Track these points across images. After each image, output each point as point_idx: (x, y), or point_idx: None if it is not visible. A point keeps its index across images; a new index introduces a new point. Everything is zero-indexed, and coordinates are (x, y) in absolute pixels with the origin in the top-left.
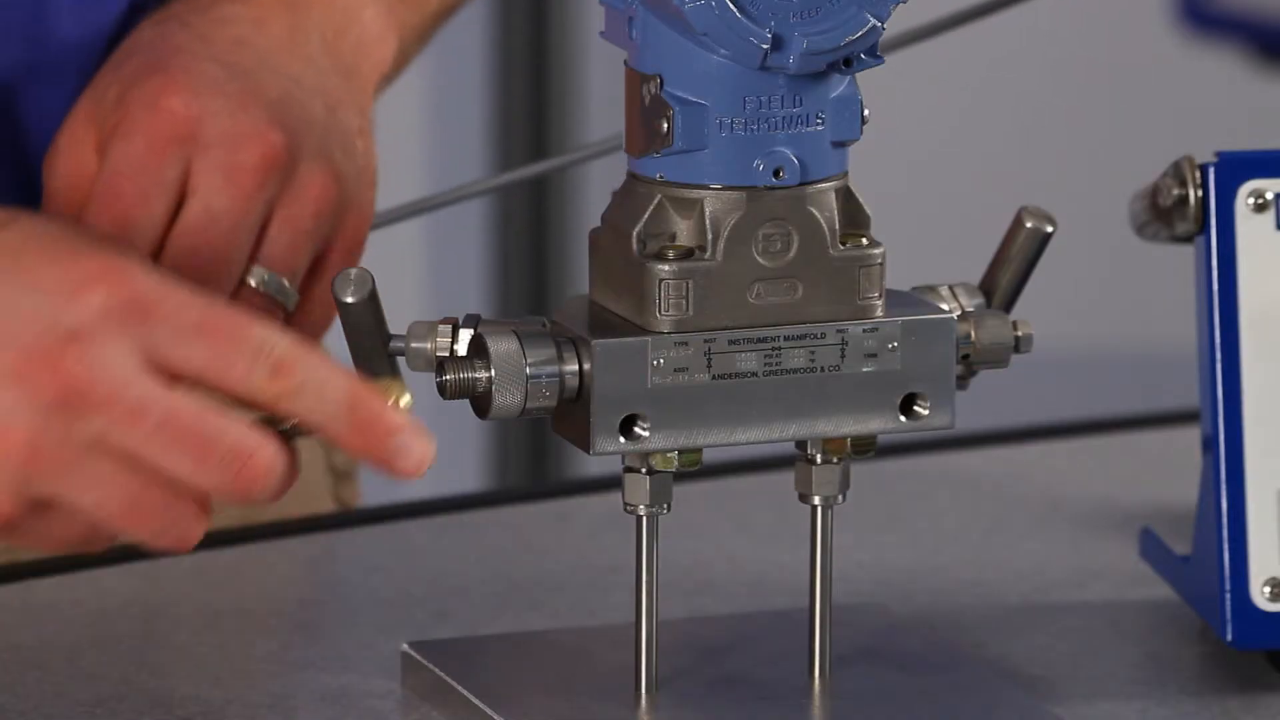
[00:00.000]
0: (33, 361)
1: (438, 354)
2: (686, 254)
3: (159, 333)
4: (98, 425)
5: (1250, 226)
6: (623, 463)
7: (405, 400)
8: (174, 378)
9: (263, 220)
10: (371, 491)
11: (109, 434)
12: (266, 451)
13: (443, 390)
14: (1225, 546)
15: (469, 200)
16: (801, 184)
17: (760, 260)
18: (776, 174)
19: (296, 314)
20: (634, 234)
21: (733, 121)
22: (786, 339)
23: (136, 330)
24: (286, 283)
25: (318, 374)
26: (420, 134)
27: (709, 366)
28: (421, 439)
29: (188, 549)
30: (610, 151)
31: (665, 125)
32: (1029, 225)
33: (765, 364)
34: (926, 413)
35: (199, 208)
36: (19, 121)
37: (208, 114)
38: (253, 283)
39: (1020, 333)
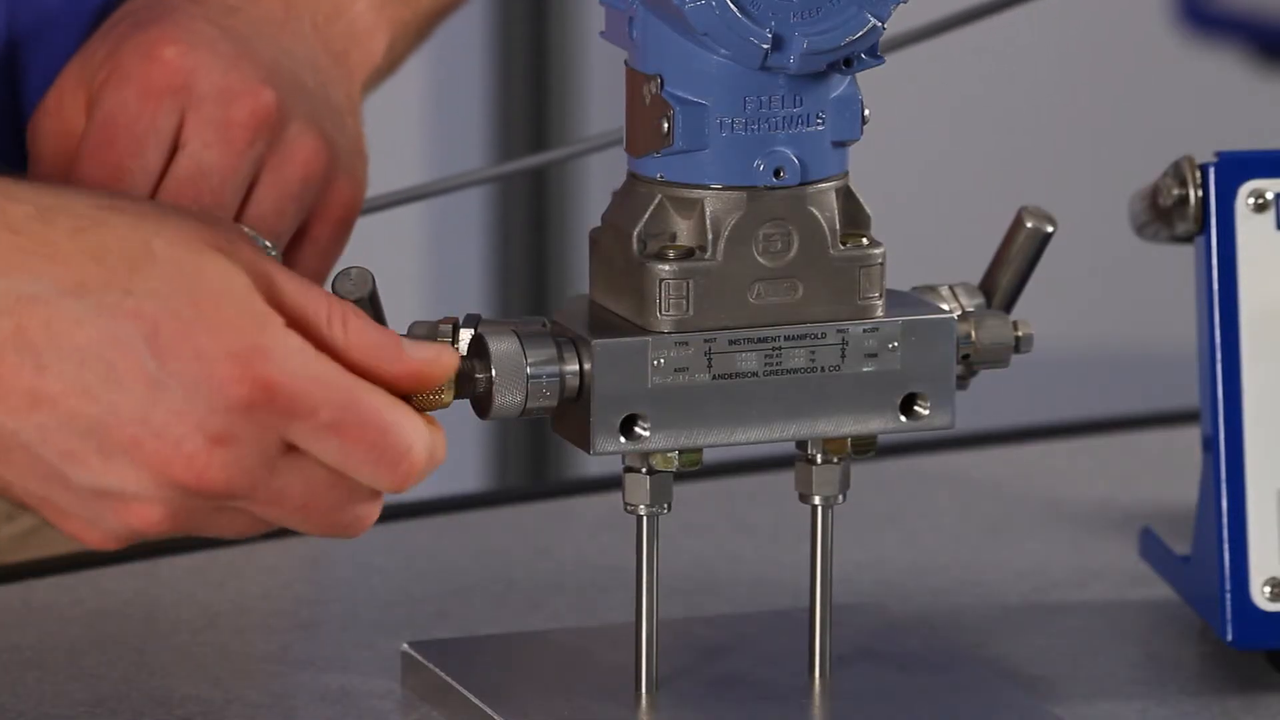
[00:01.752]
0: (176, 459)
1: None
2: (687, 254)
3: (296, 429)
4: (237, 505)
5: (1250, 226)
6: (623, 462)
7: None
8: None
9: (250, 179)
10: None
11: (246, 509)
12: (374, 519)
13: None
14: (1225, 546)
15: (469, 200)
16: (802, 184)
17: (760, 260)
18: (777, 174)
19: None
20: (634, 234)
21: (733, 121)
22: (787, 339)
23: (278, 426)
24: (270, 245)
25: (431, 465)
26: (419, 128)
27: (709, 366)
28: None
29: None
30: (610, 145)
31: (665, 125)
32: (1029, 225)
33: (765, 364)
34: (927, 413)
35: (189, 161)
36: (17, 88)
37: (201, 67)
38: None
39: (1020, 333)
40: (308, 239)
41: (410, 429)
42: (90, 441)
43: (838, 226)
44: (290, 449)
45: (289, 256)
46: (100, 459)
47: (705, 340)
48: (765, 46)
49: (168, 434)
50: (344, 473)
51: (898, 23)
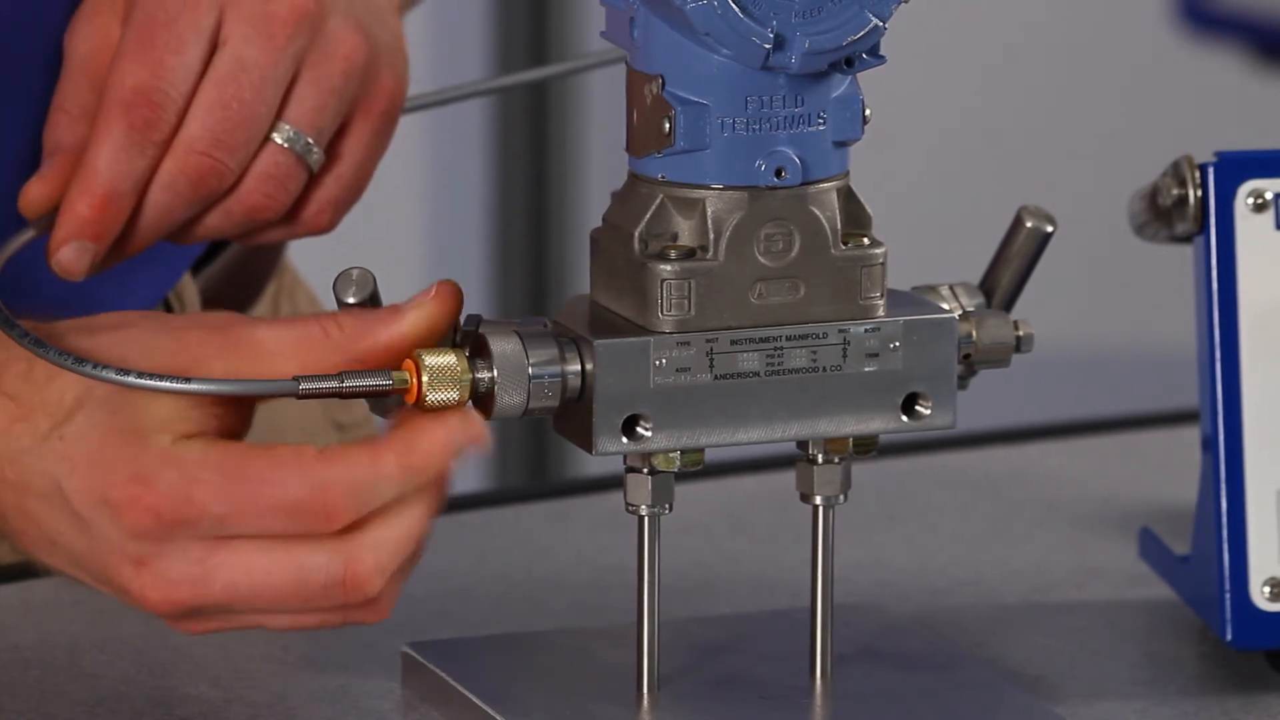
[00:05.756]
0: (117, 583)
1: None
2: (688, 254)
3: (205, 526)
4: (198, 614)
5: (1250, 226)
6: (624, 463)
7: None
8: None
9: (291, 76)
10: None
11: (213, 618)
12: (366, 561)
13: None
14: (1225, 546)
15: (469, 200)
16: (803, 184)
17: (762, 260)
18: (778, 174)
19: (321, 175)
20: (636, 234)
21: (734, 121)
22: (788, 339)
23: (189, 532)
24: (312, 141)
25: (360, 486)
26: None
27: (711, 366)
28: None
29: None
30: (612, 62)
31: (667, 125)
32: (1029, 225)
33: (767, 364)
34: (928, 412)
35: (229, 57)
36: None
37: None
38: (278, 139)
39: (1021, 332)
40: (351, 133)
41: (301, 470)
42: (77, 570)
43: (839, 226)
44: (223, 541)
45: (333, 151)
46: (91, 580)
47: (707, 340)
48: (767, 46)
49: (100, 562)
50: (281, 545)
51: (899, 23)
